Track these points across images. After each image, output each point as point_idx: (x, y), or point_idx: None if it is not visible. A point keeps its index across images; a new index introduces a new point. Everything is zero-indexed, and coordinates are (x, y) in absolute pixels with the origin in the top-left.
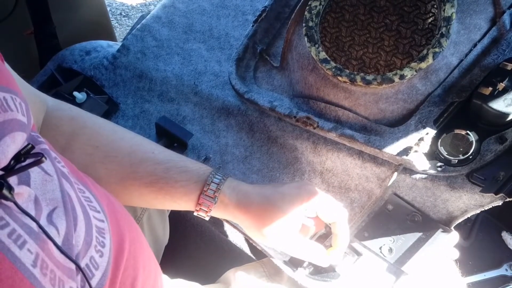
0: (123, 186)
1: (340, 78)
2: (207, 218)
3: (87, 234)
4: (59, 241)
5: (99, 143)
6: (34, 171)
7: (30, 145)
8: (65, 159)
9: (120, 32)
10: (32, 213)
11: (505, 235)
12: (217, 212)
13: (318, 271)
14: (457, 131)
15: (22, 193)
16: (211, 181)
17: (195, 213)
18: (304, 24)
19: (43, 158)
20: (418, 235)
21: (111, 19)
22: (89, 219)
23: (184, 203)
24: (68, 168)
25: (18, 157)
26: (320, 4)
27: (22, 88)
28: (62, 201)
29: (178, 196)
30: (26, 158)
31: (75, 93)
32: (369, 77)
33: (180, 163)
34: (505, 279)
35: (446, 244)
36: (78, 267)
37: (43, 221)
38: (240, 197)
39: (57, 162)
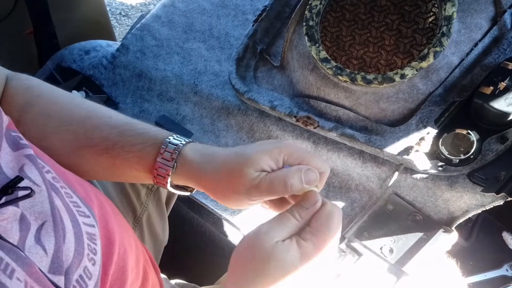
0: (78, 155)
1: (340, 77)
2: (170, 188)
3: (78, 244)
4: (47, 261)
5: (52, 112)
6: (22, 183)
7: (18, 177)
8: (49, 160)
9: (120, 31)
10: (17, 235)
11: (505, 235)
12: (178, 178)
13: None
14: (458, 130)
15: (7, 217)
16: (169, 142)
17: (154, 182)
18: (304, 24)
19: (32, 193)
20: (419, 235)
21: (111, 18)
22: (79, 226)
23: (142, 170)
24: (53, 171)
25: (6, 189)
26: (320, 4)
27: None
28: (51, 213)
29: (134, 161)
30: (14, 191)
31: (74, 92)
32: (370, 77)
33: (138, 125)
34: (506, 279)
35: (447, 245)
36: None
37: (30, 241)
38: (204, 158)
39: (42, 167)
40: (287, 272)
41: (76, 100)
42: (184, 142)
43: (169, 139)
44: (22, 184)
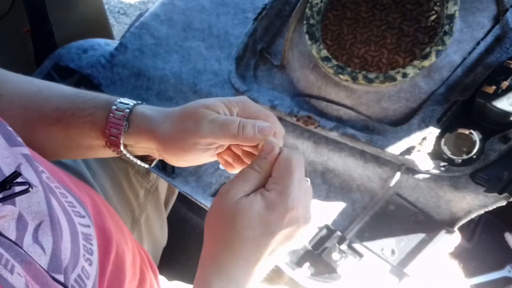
0: (31, 129)
1: (341, 76)
2: (127, 154)
3: (74, 244)
4: (46, 259)
5: (3, 91)
6: (20, 179)
7: (16, 172)
8: (42, 159)
9: (118, 30)
10: (14, 234)
11: (508, 236)
12: (131, 137)
13: (319, 272)
14: (460, 130)
15: (5, 215)
16: (120, 102)
17: (107, 145)
18: (305, 22)
19: (30, 188)
20: (421, 236)
21: (109, 17)
22: (74, 227)
23: (96, 136)
24: (47, 171)
25: (4, 184)
26: (321, 2)
27: None
28: (48, 213)
29: (87, 127)
30: (11, 186)
31: None
32: (371, 76)
33: (89, 93)
34: (508, 280)
35: (449, 246)
36: (65, 286)
37: (27, 240)
38: (161, 114)
39: (37, 167)
40: (256, 224)
41: (27, 77)
42: (135, 102)
43: (120, 99)
44: (19, 179)
